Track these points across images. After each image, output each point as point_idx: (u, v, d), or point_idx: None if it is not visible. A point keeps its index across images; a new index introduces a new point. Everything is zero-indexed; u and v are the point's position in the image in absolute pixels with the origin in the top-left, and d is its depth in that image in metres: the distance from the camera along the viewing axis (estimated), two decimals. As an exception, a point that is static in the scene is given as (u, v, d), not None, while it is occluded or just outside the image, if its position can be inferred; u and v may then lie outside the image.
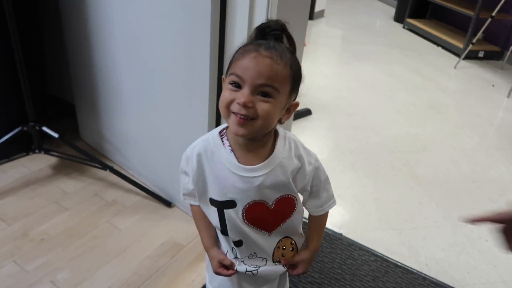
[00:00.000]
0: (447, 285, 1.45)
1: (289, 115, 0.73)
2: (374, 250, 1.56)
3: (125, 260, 1.37)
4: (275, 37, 0.69)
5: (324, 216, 0.85)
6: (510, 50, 3.72)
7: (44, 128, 1.60)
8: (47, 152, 1.69)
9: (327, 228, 1.64)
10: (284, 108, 0.71)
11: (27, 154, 1.73)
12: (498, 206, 1.88)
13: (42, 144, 1.68)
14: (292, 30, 0.73)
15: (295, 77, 0.70)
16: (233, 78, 0.67)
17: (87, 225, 1.50)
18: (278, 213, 0.77)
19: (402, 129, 2.54)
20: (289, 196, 0.77)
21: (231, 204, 0.74)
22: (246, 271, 0.82)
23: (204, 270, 1.35)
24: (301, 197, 0.82)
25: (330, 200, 0.83)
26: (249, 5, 1.16)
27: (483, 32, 3.63)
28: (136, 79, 1.54)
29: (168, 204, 1.63)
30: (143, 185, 1.67)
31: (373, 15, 5.50)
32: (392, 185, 1.97)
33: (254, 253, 0.81)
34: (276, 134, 0.76)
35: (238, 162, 0.73)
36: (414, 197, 1.89)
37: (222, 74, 1.32)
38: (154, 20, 1.36)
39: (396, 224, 1.72)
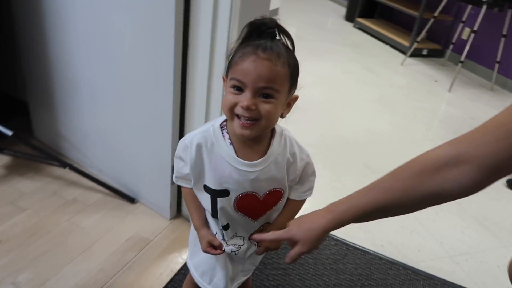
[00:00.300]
0: (401, 262, 1.57)
1: (290, 109, 0.78)
2: (334, 235, 1.65)
3: (91, 257, 1.35)
4: (271, 36, 0.71)
5: (301, 203, 0.91)
6: (450, 48, 4.00)
7: (-3, 126, 1.54)
8: (0, 151, 1.61)
9: (290, 217, 1.70)
10: (285, 103, 0.75)
11: (-22, 153, 1.65)
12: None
13: (-6, 143, 1.61)
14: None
15: (293, 74, 0.74)
16: (234, 82, 0.70)
17: (47, 224, 1.46)
18: (266, 203, 0.83)
19: (355, 122, 2.67)
20: (279, 189, 0.82)
21: (225, 193, 0.79)
22: (231, 251, 0.87)
23: (171, 263, 1.38)
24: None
25: (310, 190, 0.90)
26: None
27: (426, 32, 3.88)
28: (95, 73, 1.52)
29: (131, 200, 1.62)
30: (105, 182, 1.64)
31: (325, 14, 5.69)
32: (348, 175, 2.07)
33: (236, 233, 0.87)
34: (273, 130, 0.80)
35: (237, 155, 0.77)
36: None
37: (186, 66, 1.34)
38: (114, 11, 1.34)
39: (353, 211, 1.82)
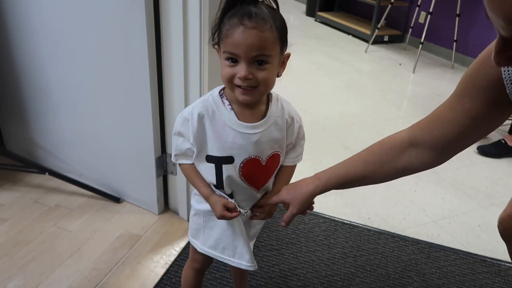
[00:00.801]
0: (388, 232, 1.62)
1: (284, 67, 0.80)
2: (322, 214, 1.68)
3: (81, 258, 1.32)
4: (253, 0, 0.71)
5: (293, 168, 0.93)
6: (409, 32, 4.16)
7: (-33, 138, 1.48)
8: (-28, 163, 1.55)
9: (277, 201, 1.72)
10: (279, 64, 0.78)
11: (-51, 168, 1.58)
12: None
13: (-34, 157, 1.55)
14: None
15: (282, 35, 0.75)
16: (228, 55, 0.72)
17: (32, 231, 1.41)
18: (268, 169, 0.85)
19: (329, 108, 2.73)
20: (278, 152, 0.84)
21: (229, 159, 0.80)
22: (243, 213, 0.87)
23: (164, 256, 1.37)
24: None
25: (301, 155, 0.93)
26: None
27: (385, 19, 4.02)
28: (67, 76, 1.49)
29: (116, 200, 1.59)
30: (87, 185, 1.61)
31: (286, 11, 5.78)
32: (328, 157, 2.11)
33: (239, 205, 0.87)
34: (269, 95, 0.83)
35: (238, 119, 0.79)
36: (349, 164, 2.06)
37: (161, 63, 1.33)
38: (83, 11, 1.32)
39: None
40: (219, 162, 0.81)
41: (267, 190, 0.90)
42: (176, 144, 0.85)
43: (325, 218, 1.66)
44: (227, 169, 0.81)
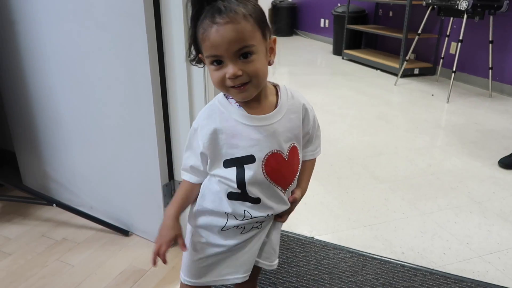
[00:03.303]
0: (426, 268, 1.41)
1: (275, 53, 0.75)
2: (349, 247, 1.50)
3: (80, 295, 1.22)
4: None
5: (313, 161, 0.90)
6: (440, 64, 4.01)
7: (-21, 170, 1.47)
8: (-16, 197, 1.53)
9: (298, 234, 1.57)
10: (267, 51, 0.72)
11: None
12: (459, 192, 1.92)
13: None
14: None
15: (260, 20, 0.69)
16: (211, 58, 0.69)
17: (33, 266, 1.33)
18: (292, 164, 0.80)
19: (356, 139, 2.59)
20: (294, 144, 0.80)
21: (250, 158, 0.75)
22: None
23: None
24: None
25: (319, 147, 0.90)
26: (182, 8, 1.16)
27: (413, 52, 3.91)
28: (76, 102, 1.47)
29: (125, 233, 1.50)
30: (96, 217, 1.53)
31: (314, 52, 5.82)
32: (355, 188, 1.95)
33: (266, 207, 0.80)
34: (276, 86, 0.80)
35: (249, 114, 0.75)
36: (379, 195, 1.88)
37: (165, 82, 1.30)
38: (87, 37, 1.32)
39: (366, 221, 1.69)
40: (240, 164, 0.74)
41: (293, 188, 0.85)
42: (184, 158, 0.82)
43: (351, 252, 1.48)
44: (249, 170, 0.74)
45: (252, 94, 0.72)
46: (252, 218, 0.80)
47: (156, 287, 1.26)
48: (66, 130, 1.55)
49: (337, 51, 5.34)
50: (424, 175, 2.10)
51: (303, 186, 0.87)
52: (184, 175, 0.83)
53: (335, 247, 1.51)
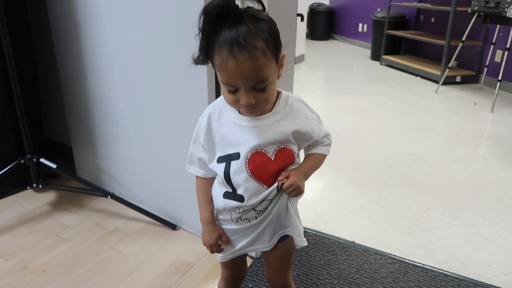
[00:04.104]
0: (470, 279, 1.40)
1: (282, 67, 0.77)
2: (390, 253, 1.51)
3: (134, 282, 1.29)
4: (236, 19, 0.67)
5: (319, 156, 0.88)
6: (484, 72, 3.90)
7: (42, 160, 1.58)
8: (45, 185, 1.64)
9: (339, 237, 1.59)
10: (278, 70, 0.75)
11: (25, 189, 1.68)
12: (505, 204, 1.88)
13: (40, 179, 1.64)
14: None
15: (274, 46, 0.70)
16: (227, 87, 0.72)
17: (90, 253, 1.43)
18: (279, 164, 0.80)
19: (396, 146, 2.57)
20: (288, 147, 0.81)
21: (236, 155, 0.79)
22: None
23: (215, 286, 1.29)
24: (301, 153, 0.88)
25: (328, 147, 0.89)
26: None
27: (456, 60, 3.83)
28: (133, 101, 1.56)
29: (173, 227, 1.57)
30: (146, 210, 1.61)
31: (350, 57, 5.79)
32: (396, 195, 1.95)
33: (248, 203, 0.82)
34: (279, 93, 0.81)
35: (241, 114, 0.79)
36: (421, 203, 1.87)
37: (219, 84, 1.35)
38: (147, 39, 1.40)
39: (407, 229, 1.68)
40: (228, 159, 0.80)
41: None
42: (190, 152, 0.87)
43: (393, 258, 1.49)
44: (235, 165, 0.79)
45: (260, 111, 0.76)
46: (245, 210, 0.83)
47: (203, 280, 1.32)
48: (121, 127, 1.64)
49: (375, 57, 5.29)
50: (467, 185, 2.07)
51: (301, 166, 0.84)
52: (191, 169, 0.88)
53: (376, 253, 1.52)
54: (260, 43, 0.67)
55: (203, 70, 1.27)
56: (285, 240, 0.90)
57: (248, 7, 0.70)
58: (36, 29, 1.84)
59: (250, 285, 1.31)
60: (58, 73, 1.79)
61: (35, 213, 1.66)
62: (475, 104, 3.48)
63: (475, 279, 1.40)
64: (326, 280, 1.37)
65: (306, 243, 0.92)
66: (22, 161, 1.56)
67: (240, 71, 0.67)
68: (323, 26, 7.04)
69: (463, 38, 3.66)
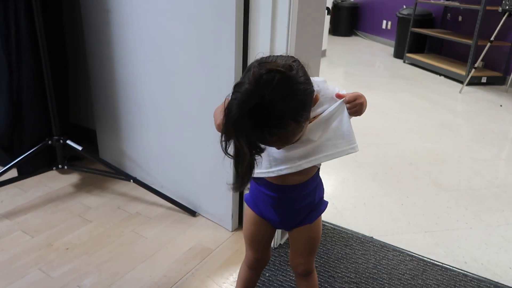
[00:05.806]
0: (491, 280, 1.38)
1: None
2: (409, 251, 1.50)
3: (154, 265, 1.32)
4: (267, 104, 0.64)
5: None
6: (511, 74, 3.80)
7: (68, 142, 1.61)
8: (70, 166, 1.68)
9: (357, 232, 1.59)
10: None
11: (50, 169, 1.73)
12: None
13: (65, 160, 1.68)
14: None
15: (306, 115, 0.70)
16: None
17: (112, 234, 1.46)
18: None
19: (417, 145, 2.54)
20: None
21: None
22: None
23: (235, 273, 1.31)
24: None
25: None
26: (271, 6, 1.20)
27: (482, 60, 3.73)
28: (159, 88, 1.58)
29: (192, 213, 1.59)
30: (167, 196, 1.64)
31: (373, 54, 5.71)
32: (416, 193, 1.93)
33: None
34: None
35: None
36: (441, 202, 1.85)
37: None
38: (176, 27, 1.41)
39: (427, 227, 1.67)
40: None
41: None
42: None
43: (412, 256, 1.48)
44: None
45: None
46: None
47: (221, 266, 1.34)
48: (146, 113, 1.67)
49: (399, 54, 5.20)
50: (490, 187, 2.03)
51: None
52: None
53: (395, 249, 1.51)
54: (288, 120, 0.66)
55: (231, 60, 1.28)
56: (314, 221, 0.93)
57: (274, 77, 0.64)
58: (67, 15, 1.87)
59: (267, 274, 1.32)
60: (86, 59, 1.82)
61: (59, 194, 1.70)
62: (501, 105, 3.40)
63: (496, 280, 1.38)
64: (344, 273, 1.37)
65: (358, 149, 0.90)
66: (50, 142, 1.60)
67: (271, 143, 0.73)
68: (346, 22, 6.95)
69: (492, 38, 3.57)
